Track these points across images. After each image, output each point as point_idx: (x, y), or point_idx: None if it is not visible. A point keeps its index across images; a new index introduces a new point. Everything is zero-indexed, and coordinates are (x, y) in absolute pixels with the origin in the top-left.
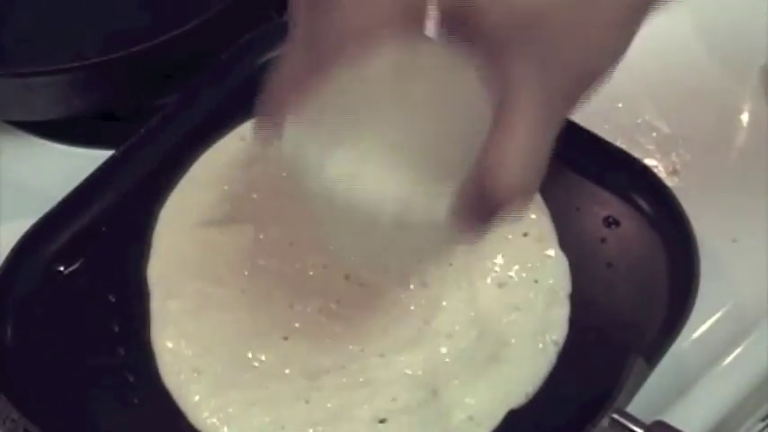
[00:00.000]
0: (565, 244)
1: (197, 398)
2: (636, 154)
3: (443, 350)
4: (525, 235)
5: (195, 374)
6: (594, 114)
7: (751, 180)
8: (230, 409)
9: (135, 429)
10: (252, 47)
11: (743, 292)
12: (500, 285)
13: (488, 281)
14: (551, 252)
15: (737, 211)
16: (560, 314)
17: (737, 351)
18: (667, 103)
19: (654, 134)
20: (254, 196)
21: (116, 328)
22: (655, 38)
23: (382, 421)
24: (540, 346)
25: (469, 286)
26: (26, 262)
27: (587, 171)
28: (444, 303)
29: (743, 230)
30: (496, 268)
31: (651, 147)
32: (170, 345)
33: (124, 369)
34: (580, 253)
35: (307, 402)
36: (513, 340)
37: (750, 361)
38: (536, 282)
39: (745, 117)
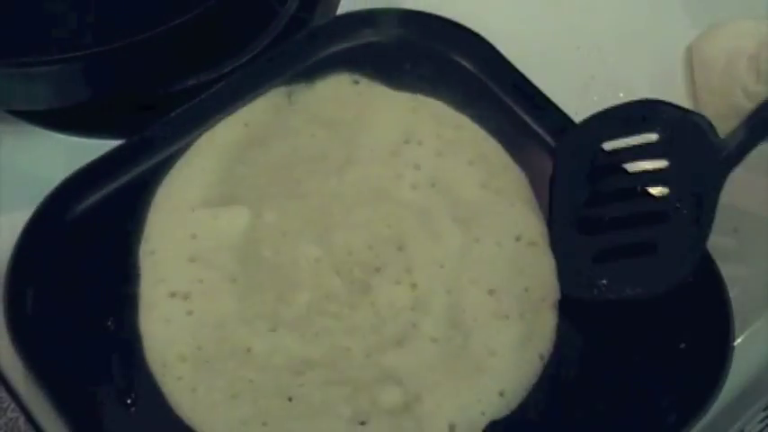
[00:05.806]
0: None
1: (181, 384)
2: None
3: (428, 355)
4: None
5: (180, 361)
6: (597, 106)
7: (752, 169)
8: (214, 398)
9: (116, 409)
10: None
11: (744, 282)
12: (490, 293)
13: (479, 288)
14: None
15: (739, 200)
16: (548, 325)
17: (738, 341)
18: (668, 91)
19: None
20: (251, 181)
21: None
22: (653, 27)
23: (362, 423)
24: (527, 358)
25: (459, 291)
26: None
27: None
28: (433, 307)
29: (744, 220)
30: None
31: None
32: (157, 329)
33: (111, 349)
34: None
35: (290, 399)
36: (499, 350)
37: (751, 351)
38: (526, 290)
39: None
